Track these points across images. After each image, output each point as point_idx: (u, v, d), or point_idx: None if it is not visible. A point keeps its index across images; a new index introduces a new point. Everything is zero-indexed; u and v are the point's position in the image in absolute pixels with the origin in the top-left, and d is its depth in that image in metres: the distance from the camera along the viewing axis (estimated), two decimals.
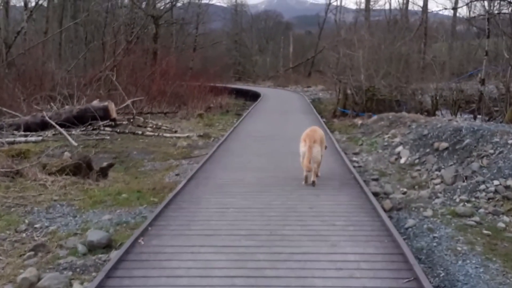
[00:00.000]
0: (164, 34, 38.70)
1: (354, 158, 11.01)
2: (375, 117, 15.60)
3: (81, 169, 8.63)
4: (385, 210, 7.32)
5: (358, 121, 16.13)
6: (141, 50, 27.68)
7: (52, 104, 17.31)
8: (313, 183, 7.96)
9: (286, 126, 15.96)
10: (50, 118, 15.28)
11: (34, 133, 14.64)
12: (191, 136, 14.39)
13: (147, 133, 14.90)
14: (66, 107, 16.09)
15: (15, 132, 14.53)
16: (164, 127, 16.08)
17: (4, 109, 17.32)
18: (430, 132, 10.57)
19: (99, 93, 20.24)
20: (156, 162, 11.39)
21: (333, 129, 16.72)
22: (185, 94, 26.03)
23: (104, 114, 15.85)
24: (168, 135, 14.70)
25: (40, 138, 13.59)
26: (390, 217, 7.02)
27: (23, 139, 13.49)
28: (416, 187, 8.66)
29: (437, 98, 17.96)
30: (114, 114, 16.19)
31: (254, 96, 35.01)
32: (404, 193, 8.24)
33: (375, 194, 8.13)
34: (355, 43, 21.89)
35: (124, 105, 17.94)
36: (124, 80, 22.38)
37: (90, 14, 28.92)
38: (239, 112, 24.94)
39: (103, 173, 9.03)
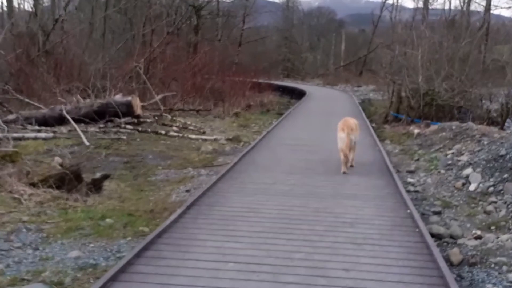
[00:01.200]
0: (210, 26, 37.27)
1: (409, 179, 8.89)
2: (434, 126, 13.33)
3: (65, 181, 6.99)
4: (452, 264, 5.31)
5: (414, 129, 13.88)
6: (181, 42, 26.22)
7: (78, 96, 15.95)
8: (351, 166, 9.02)
9: (327, 134, 13.20)
10: (68, 112, 13.88)
11: (49, 128, 13.26)
12: (219, 140, 12.62)
13: (171, 133, 13.24)
14: (87, 100, 14.67)
15: (29, 126, 13.21)
16: (192, 127, 14.37)
17: (27, 100, 16.14)
18: (509, 152, 8.33)
19: (131, 87, 18.83)
20: (171, 170, 9.68)
21: (384, 137, 14.55)
22: (225, 90, 24.37)
23: (127, 110, 14.32)
24: (194, 136, 12.97)
25: (51, 134, 12.17)
26: (460, 277, 4.99)
27: (32, 135, 12.09)
28: (493, 228, 6.51)
29: (508, 106, 15.43)
30: (138, 111, 14.64)
31: (299, 95, 33.02)
32: (478, 237, 6.12)
33: (438, 237, 6.09)
34: (413, 40, 19.52)
35: (153, 101, 16.38)
36: (159, 73, 20.93)
37: (131, 3, 27.66)
38: (282, 111, 23.02)
39: (96, 186, 7.37)
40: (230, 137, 12.95)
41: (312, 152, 10.77)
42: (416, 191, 8.15)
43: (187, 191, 7.91)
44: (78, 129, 12.35)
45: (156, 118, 15.03)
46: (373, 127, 16.54)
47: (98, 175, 7.39)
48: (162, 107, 15.93)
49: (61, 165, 7.61)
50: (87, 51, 23.88)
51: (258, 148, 11.26)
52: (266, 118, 20.10)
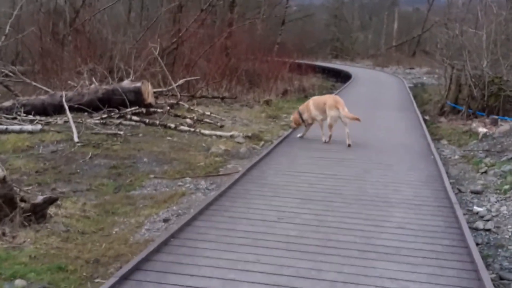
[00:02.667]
0: (250, 4, 34.94)
1: (476, 208, 6.41)
2: (505, 125, 10.68)
3: None
4: None
5: (478, 127, 11.24)
6: (213, 21, 24.10)
7: (86, 81, 14.17)
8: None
9: (368, 135, 10.86)
10: (70, 99, 12.10)
11: (43, 118, 11.53)
12: (235, 137, 10.46)
13: (182, 127, 11.20)
14: (91, 86, 12.81)
15: (22, 116, 11.50)
16: (209, 120, 12.27)
17: (33, 83, 14.52)
18: None
19: (154, 70, 16.93)
20: (164, 180, 7.65)
21: (440, 135, 11.99)
22: (262, 73, 22.11)
23: (136, 98, 12.39)
24: (207, 132, 10.86)
25: (39, 127, 10.38)
26: None
27: (17, 127, 10.36)
28: None
29: None
30: (149, 99, 12.69)
31: (346, 78, 30.36)
32: None
33: None
34: (477, 17, 16.59)
35: (171, 87, 14.36)
36: (186, 55, 18.87)
37: None
38: None
39: (38, 213, 5.41)
40: (250, 134, 10.76)
41: (345, 166, 8.13)
42: (487, 230, 5.74)
43: (166, 220, 5.83)
44: (71, 120, 10.50)
45: (169, 108, 13.01)
46: (426, 120, 13.94)
47: (39, 199, 5.41)
48: (179, 94, 13.88)
49: (3, 179, 5.69)
50: (114, 30, 22.15)
51: (277, 153, 9.01)
52: None
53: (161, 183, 7.52)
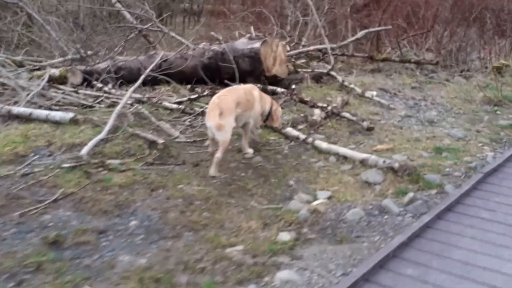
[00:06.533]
0: None
1: None
2: None
3: None
4: None
5: None
6: None
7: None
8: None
9: None
10: (171, 64, 8.30)
11: (120, 93, 7.94)
12: (373, 165, 5.15)
13: (289, 130, 6.27)
14: (200, 46, 8.65)
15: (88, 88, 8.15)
16: (350, 114, 6.96)
17: (172, 34, 10.99)
18: None
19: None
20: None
21: None
22: None
23: (253, 65, 7.88)
24: (324, 146, 5.77)
25: (70, 115, 6.59)
26: None
27: (44, 113, 6.76)
28: None
29: None
30: (275, 67, 8.00)
31: None
32: None
33: None
34: None
35: (340, 45, 9.23)
36: None
37: None
38: None
39: None
40: (397, 163, 5.17)
41: None
42: None
43: None
44: (123, 101, 6.60)
45: (313, 81, 8.09)
46: None
47: None
48: (332, 60, 8.76)
49: None
50: None
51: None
52: None
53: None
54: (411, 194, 4.50)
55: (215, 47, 8.26)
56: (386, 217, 4.22)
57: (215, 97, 5.20)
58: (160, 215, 4.14)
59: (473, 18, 13.49)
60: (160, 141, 5.58)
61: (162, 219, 4.09)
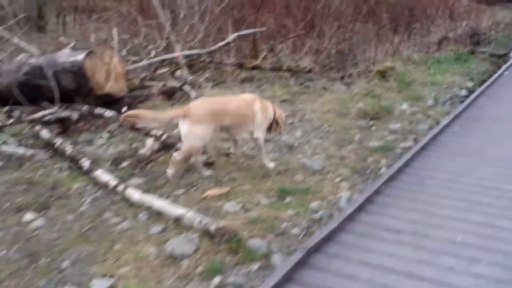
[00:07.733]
0: None
1: None
2: None
3: None
4: None
5: None
6: None
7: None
8: None
9: None
10: None
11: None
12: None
13: (103, 177, 4.78)
14: (17, 59, 6.93)
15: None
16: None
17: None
18: None
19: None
20: None
21: None
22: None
23: (78, 82, 6.31)
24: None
25: None
26: None
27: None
28: None
29: None
30: (109, 84, 6.47)
31: None
32: None
33: None
34: None
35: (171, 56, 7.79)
36: None
37: None
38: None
39: None
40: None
41: None
42: None
43: None
44: None
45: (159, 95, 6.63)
46: None
47: None
48: (185, 71, 7.37)
49: None
50: None
51: None
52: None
53: None
54: (217, 280, 3.18)
55: (32, 60, 6.58)
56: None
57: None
58: None
59: (366, 13, 12.58)
60: None
61: None
